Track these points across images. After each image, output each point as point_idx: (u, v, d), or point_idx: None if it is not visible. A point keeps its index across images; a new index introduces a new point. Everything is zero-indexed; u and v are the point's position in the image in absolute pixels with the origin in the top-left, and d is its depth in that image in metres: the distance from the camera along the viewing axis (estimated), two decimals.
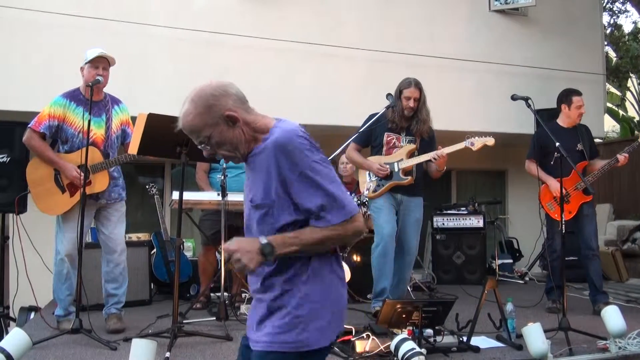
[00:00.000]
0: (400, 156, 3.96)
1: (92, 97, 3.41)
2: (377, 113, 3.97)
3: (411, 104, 3.90)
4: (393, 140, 4.01)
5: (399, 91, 3.96)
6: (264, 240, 1.54)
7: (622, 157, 4.25)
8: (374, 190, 3.99)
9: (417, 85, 3.95)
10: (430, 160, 3.91)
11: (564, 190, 4.18)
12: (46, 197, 3.55)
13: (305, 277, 1.59)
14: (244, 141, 1.63)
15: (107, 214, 3.68)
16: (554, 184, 4.21)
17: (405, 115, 3.94)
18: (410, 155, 3.97)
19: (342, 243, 1.67)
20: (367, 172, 4.06)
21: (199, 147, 1.67)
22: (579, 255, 4.70)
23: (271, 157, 1.56)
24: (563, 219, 3.67)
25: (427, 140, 4.03)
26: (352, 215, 1.57)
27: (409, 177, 3.94)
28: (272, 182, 1.57)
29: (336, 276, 1.65)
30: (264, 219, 1.63)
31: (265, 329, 1.59)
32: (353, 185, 5.30)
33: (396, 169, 3.94)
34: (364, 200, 4.23)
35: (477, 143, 3.85)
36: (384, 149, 4.01)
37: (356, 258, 4.73)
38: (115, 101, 3.73)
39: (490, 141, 3.87)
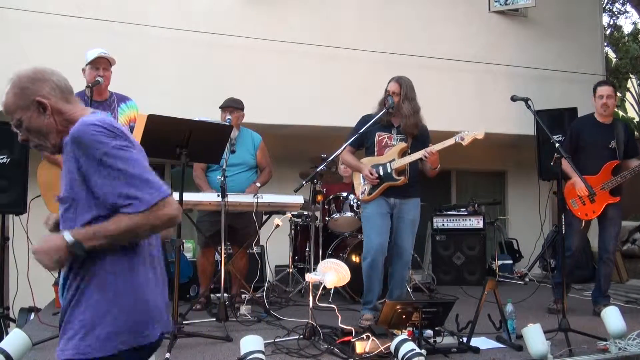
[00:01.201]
0: (392, 156, 3.90)
1: (95, 98, 3.46)
2: (370, 115, 3.94)
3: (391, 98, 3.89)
4: (384, 140, 3.95)
5: (386, 89, 3.96)
6: (68, 236, 1.47)
7: None
8: (369, 193, 3.92)
9: (398, 80, 3.91)
10: (422, 159, 3.86)
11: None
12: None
13: (96, 280, 1.51)
14: (56, 131, 1.59)
15: None
16: (579, 182, 4.01)
17: (390, 112, 3.90)
18: (402, 154, 3.90)
19: (156, 231, 1.55)
20: (362, 175, 4.00)
21: (14, 130, 1.62)
22: (582, 256, 4.71)
23: (69, 150, 1.51)
24: (563, 219, 3.67)
25: (420, 138, 3.95)
26: (159, 199, 1.48)
27: (402, 177, 3.87)
28: (73, 175, 1.51)
29: (138, 279, 1.55)
30: (65, 214, 1.56)
31: (63, 337, 1.53)
32: (350, 185, 5.30)
33: (389, 170, 3.88)
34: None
35: (467, 137, 3.75)
36: (376, 149, 3.96)
37: (356, 259, 4.73)
38: (122, 99, 3.73)
39: (480, 134, 3.76)
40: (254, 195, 4.04)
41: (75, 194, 1.52)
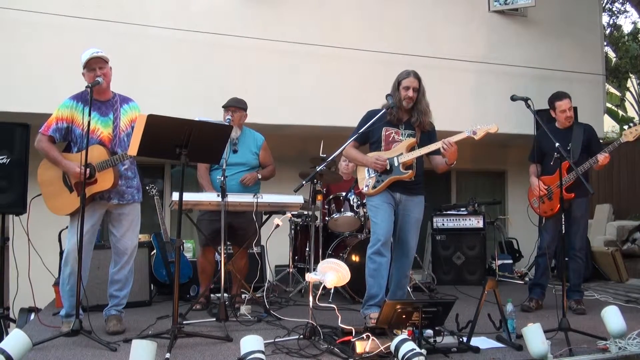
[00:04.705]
0: (400, 150, 3.84)
1: (98, 98, 3.47)
2: (376, 110, 3.88)
3: (410, 93, 3.79)
4: (392, 135, 3.89)
5: (398, 82, 3.87)
6: None
7: (602, 157, 4.17)
8: (374, 187, 3.86)
9: (416, 75, 3.86)
10: (434, 154, 3.79)
11: (544, 187, 4.41)
12: (56, 197, 3.56)
13: None
14: None
15: (118, 215, 3.65)
16: (533, 181, 4.52)
17: (405, 107, 3.85)
18: (410, 149, 3.83)
19: None
20: (366, 169, 3.93)
21: None
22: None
23: None
24: (563, 219, 3.67)
25: (427, 135, 3.91)
26: None
27: (410, 171, 3.81)
28: None
29: None
30: None
31: None
32: (351, 183, 5.29)
33: (396, 163, 3.81)
34: (365, 202, 4.14)
35: (480, 131, 3.69)
36: (383, 144, 3.90)
37: (355, 259, 4.73)
38: (125, 100, 3.73)
39: (494, 128, 3.70)
40: (254, 195, 4.04)
41: None
